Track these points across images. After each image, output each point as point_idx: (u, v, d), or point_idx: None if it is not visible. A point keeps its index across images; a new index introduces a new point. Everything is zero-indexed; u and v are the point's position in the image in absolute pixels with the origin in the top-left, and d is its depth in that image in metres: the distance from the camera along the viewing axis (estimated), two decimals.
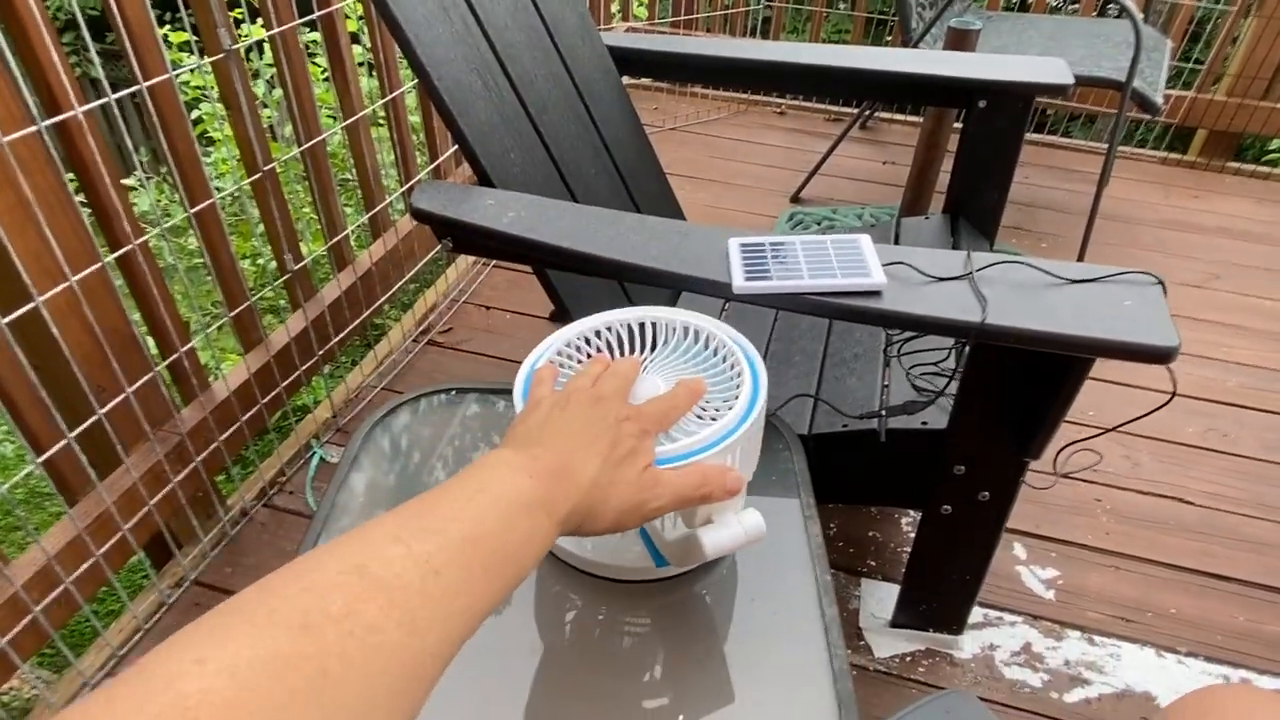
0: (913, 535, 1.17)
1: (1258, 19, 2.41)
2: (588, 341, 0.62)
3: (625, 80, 1.39)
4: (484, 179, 0.97)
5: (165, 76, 1.06)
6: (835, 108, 2.81)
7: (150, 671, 0.26)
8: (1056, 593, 1.25)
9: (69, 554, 1.03)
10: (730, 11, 2.94)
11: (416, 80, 1.07)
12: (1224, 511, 1.40)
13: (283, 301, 2.00)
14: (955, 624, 1.16)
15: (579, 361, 0.61)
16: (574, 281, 1.05)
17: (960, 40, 1.60)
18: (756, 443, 0.58)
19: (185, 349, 1.19)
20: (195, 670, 0.26)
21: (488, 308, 1.85)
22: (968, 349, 0.88)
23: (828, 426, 1.06)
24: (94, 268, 1.01)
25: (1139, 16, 1.69)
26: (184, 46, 2.31)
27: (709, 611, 0.63)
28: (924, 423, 1.00)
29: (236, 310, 1.30)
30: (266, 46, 1.37)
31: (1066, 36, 2.17)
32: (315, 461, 1.45)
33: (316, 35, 1.46)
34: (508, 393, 0.81)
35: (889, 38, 2.98)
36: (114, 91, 0.98)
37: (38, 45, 0.91)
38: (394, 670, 0.31)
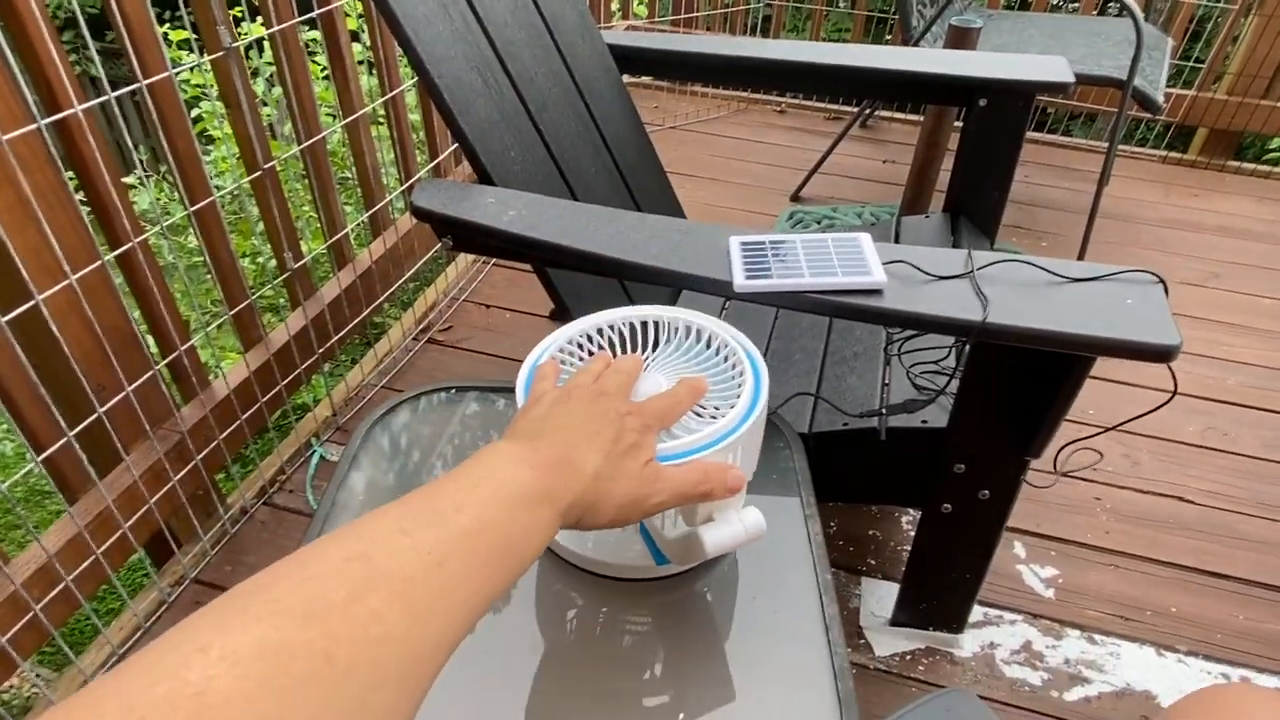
0: (913, 534, 1.17)
1: (1258, 17, 2.41)
2: (590, 339, 0.62)
3: (625, 78, 1.39)
4: (484, 177, 0.97)
5: (165, 74, 1.06)
6: (835, 106, 2.81)
7: (155, 658, 0.26)
8: (1056, 591, 1.25)
9: (69, 552, 1.03)
10: (730, 10, 2.93)
11: (416, 78, 1.07)
12: (1224, 510, 1.40)
13: (283, 300, 2.00)
14: (955, 622, 1.16)
15: (580, 359, 0.61)
16: (574, 280, 1.05)
17: (961, 38, 1.60)
18: (757, 441, 0.58)
19: (185, 347, 1.19)
20: (199, 657, 0.26)
21: (488, 306, 1.85)
22: (968, 347, 0.88)
23: (828, 425, 1.06)
24: (94, 266, 1.01)
25: (1140, 15, 1.69)
26: (184, 44, 2.31)
27: (709, 610, 0.63)
28: (924, 421, 1.00)
29: (236, 309, 1.30)
30: (266, 44, 1.37)
31: (1067, 35, 2.17)
32: (315, 460, 1.45)
33: (316, 33, 1.46)
34: (508, 391, 0.81)
35: (889, 36, 2.98)
36: (114, 89, 0.98)
37: (37, 43, 0.91)
38: (397, 659, 0.31)
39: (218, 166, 2.36)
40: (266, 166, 1.28)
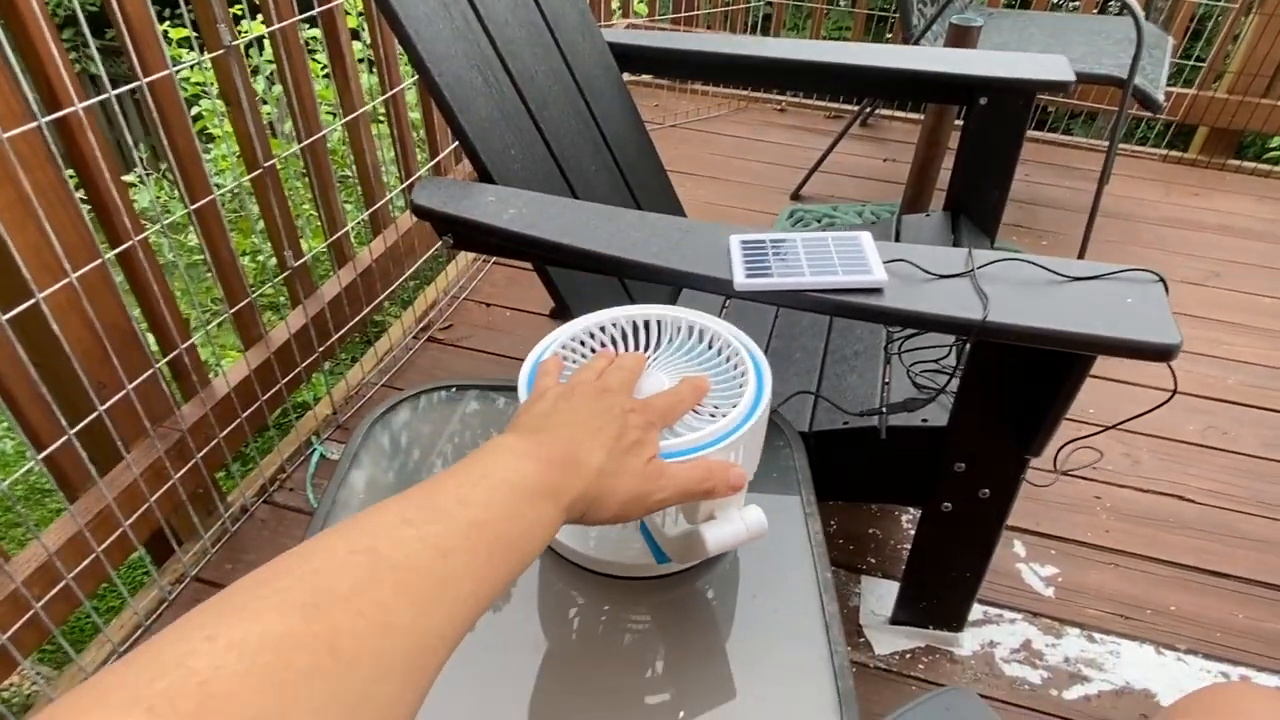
0: (913, 532, 1.17)
1: (1259, 16, 2.41)
2: (592, 336, 0.62)
3: (625, 77, 1.39)
4: (484, 175, 0.97)
5: (165, 73, 1.06)
6: (836, 105, 2.81)
7: (162, 648, 0.27)
8: (1056, 590, 1.25)
9: (70, 550, 1.03)
10: (730, 8, 2.93)
11: (417, 76, 1.07)
12: (1224, 509, 1.40)
13: (283, 298, 2.00)
14: (955, 621, 1.16)
15: (582, 356, 0.61)
16: (574, 278, 1.05)
17: (961, 37, 1.60)
18: (759, 440, 0.59)
19: (185, 345, 1.19)
20: (206, 647, 0.26)
21: (488, 304, 1.85)
22: (968, 346, 0.88)
23: (828, 424, 1.06)
24: (94, 264, 1.01)
25: (1140, 13, 1.69)
26: (184, 42, 2.31)
27: (710, 608, 0.63)
28: (924, 420, 1.00)
29: (237, 307, 1.29)
30: (266, 43, 1.37)
31: (1068, 33, 2.17)
32: (315, 458, 1.45)
33: (316, 31, 1.46)
34: (508, 389, 0.81)
35: (889, 35, 2.98)
36: (114, 87, 0.98)
37: (38, 41, 0.91)
38: (402, 651, 0.31)
39: (218, 164, 2.36)
40: (267, 165, 1.28)
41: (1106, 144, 2.05)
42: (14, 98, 0.89)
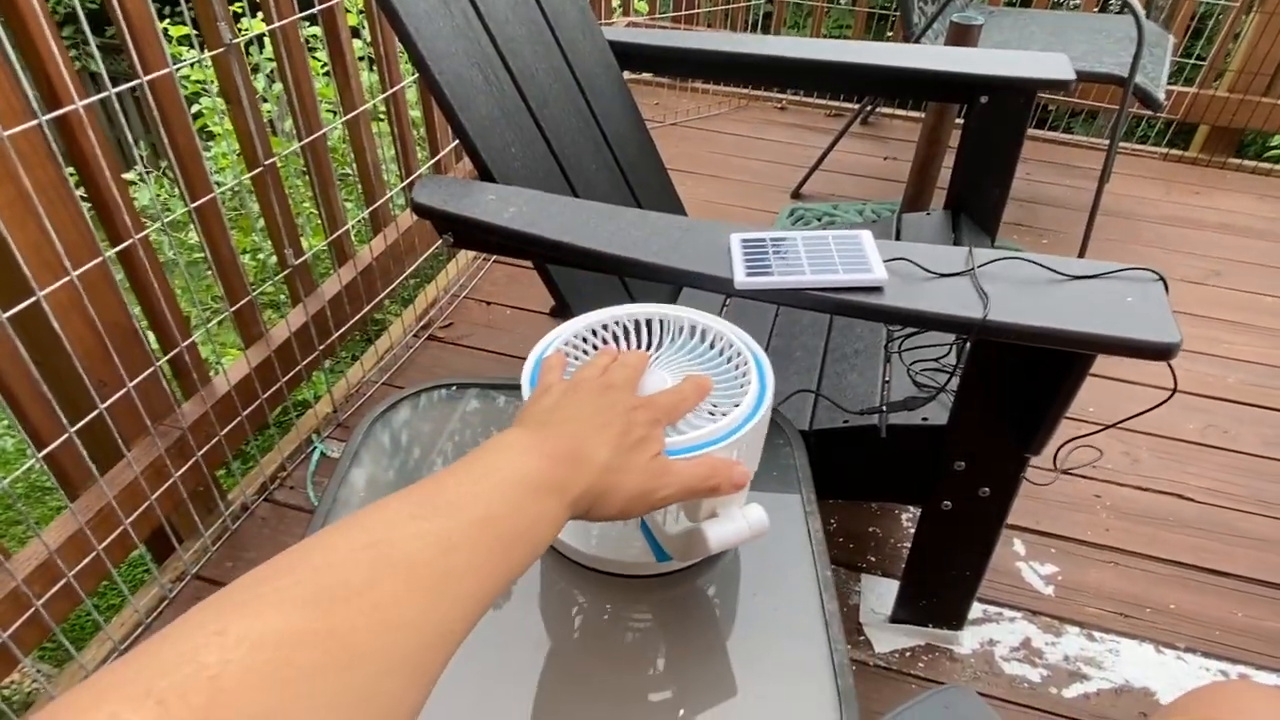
0: (913, 531, 1.17)
1: (1260, 15, 2.41)
2: (594, 333, 0.62)
3: (626, 75, 1.39)
4: (485, 174, 0.97)
5: (165, 71, 1.06)
6: (836, 103, 2.80)
7: (172, 642, 0.27)
8: (1056, 588, 1.26)
9: (70, 548, 1.03)
10: (731, 6, 2.93)
11: (417, 74, 1.07)
12: (1223, 508, 1.40)
13: (283, 296, 2.00)
14: (955, 619, 1.16)
15: (584, 353, 0.61)
16: (575, 277, 1.05)
17: (962, 35, 1.60)
18: (761, 439, 0.59)
19: (186, 344, 1.19)
20: (217, 641, 0.27)
21: (488, 303, 1.85)
22: (969, 345, 0.88)
23: (829, 422, 1.06)
24: (95, 262, 1.01)
25: (1141, 12, 1.69)
26: (184, 40, 2.30)
27: (710, 606, 0.63)
28: (925, 419, 1.00)
29: (237, 305, 1.30)
30: (267, 41, 1.37)
31: (1068, 32, 2.17)
32: (316, 456, 1.45)
33: (317, 29, 1.46)
34: (508, 388, 0.81)
35: (890, 33, 2.97)
36: (114, 86, 0.97)
37: (38, 39, 0.91)
38: (408, 647, 0.31)
39: (218, 163, 2.36)
40: (267, 163, 1.28)
41: (1107, 142, 2.05)
42: (14, 95, 0.89)
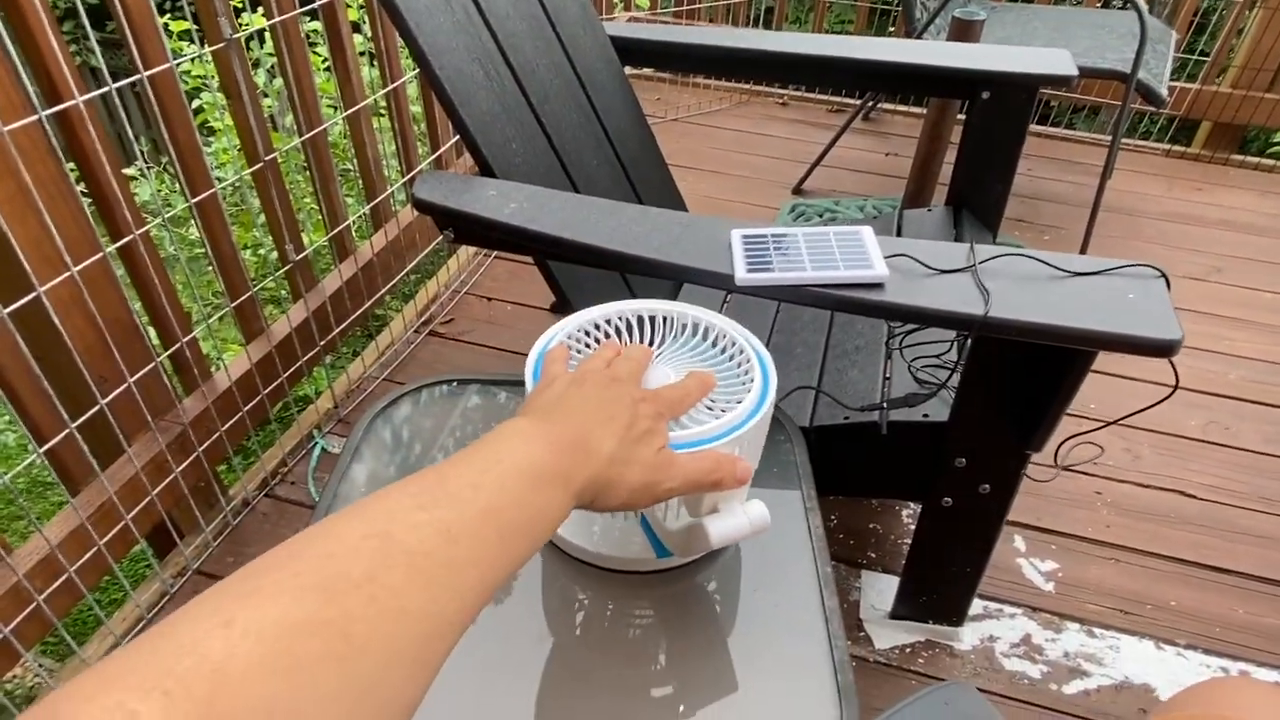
0: (913, 527, 1.17)
1: (1263, 10, 2.40)
2: (597, 328, 0.62)
3: (627, 70, 1.39)
4: (485, 169, 0.97)
5: (166, 66, 1.06)
6: (838, 99, 2.80)
7: (177, 631, 0.27)
8: (1056, 585, 1.26)
9: (71, 543, 1.04)
10: (732, 1, 2.92)
11: (418, 70, 1.06)
12: (1224, 505, 1.40)
13: (284, 292, 2.00)
14: (955, 616, 1.16)
15: (587, 347, 0.61)
16: (576, 273, 1.05)
17: (964, 31, 1.59)
18: (762, 436, 0.59)
19: (187, 339, 1.19)
20: (222, 631, 0.27)
21: (489, 299, 1.85)
22: (970, 342, 0.88)
23: (829, 419, 1.06)
24: (95, 258, 1.01)
25: (1144, 7, 1.68)
26: (184, 35, 2.30)
27: (711, 602, 0.63)
28: (925, 415, 1.00)
29: (238, 300, 1.30)
30: (267, 35, 1.36)
31: (1071, 27, 2.16)
32: (317, 452, 1.45)
33: (317, 24, 1.45)
34: (509, 384, 0.81)
35: (892, 28, 2.96)
36: (114, 81, 0.97)
37: (38, 34, 0.91)
38: (414, 636, 0.31)
39: (219, 158, 2.36)
40: (268, 158, 1.28)
41: (1109, 139, 2.04)
42: (14, 91, 0.88)
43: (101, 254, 1.02)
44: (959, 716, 0.63)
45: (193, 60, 1.60)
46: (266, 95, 2.37)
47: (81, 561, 1.05)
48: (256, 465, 1.41)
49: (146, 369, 1.11)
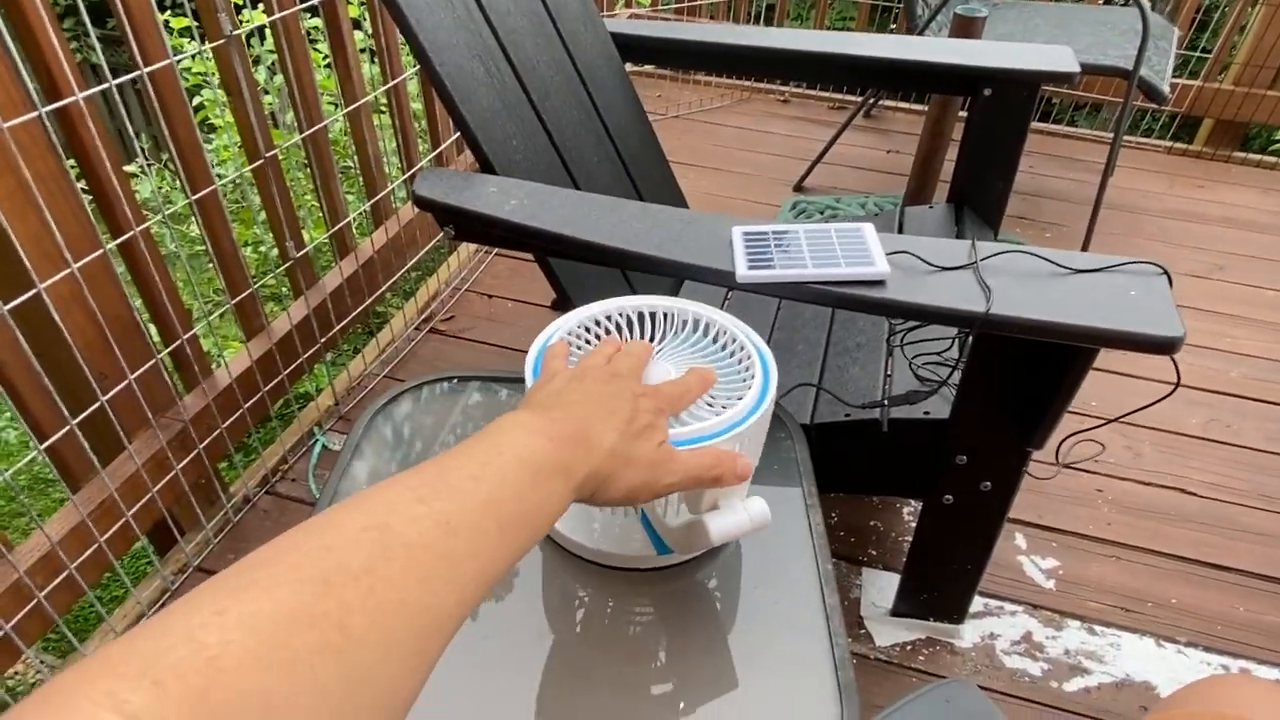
0: (914, 525, 1.17)
1: (1266, 7, 2.39)
2: (597, 324, 0.62)
3: (628, 67, 1.39)
4: (486, 166, 0.97)
5: (166, 62, 1.06)
6: (839, 96, 2.79)
7: (172, 621, 0.27)
8: (1057, 582, 1.26)
9: (72, 540, 1.04)
10: None
11: (418, 66, 1.06)
12: (1226, 502, 1.40)
13: (285, 289, 2.00)
14: (956, 613, 1.16)
15: (587, 343, 0.61)
16: (577, 270, 1.05)
17: (966, 27, 1.59)
18: (763, 433, 0.59)
19: (187, 336, 1.19)
20: (216, 621, 0.26)
21: (490, 296, 1.85)
22: (971, 339, 0.88)
23: (830, 416, 1.06)
24: (96, 254, 1.01)
25: (1146, 4, 1.68)
26: (185, 32, 2.30)
27: (711, 599, 0.63)
28: (926, 412, 0.99)
29: (239, 298, 1.29)
30: (268, 32, 1.36)
31: (1073, 24, 2.16)
32: (318, 449, 1.45)
33: (318, 21, 1.45)
34: (510, 381, 0.81)
35: (894, 25, 2.96)
36: (115, 77, 0.97)
37: (38, 30, 0.91)
38: (412, 628, 0.31)
39: (219, 155, 2.35)
40: (268, 155, 1.27)
41: (1111, 136, 2.04)
42: (14, 87, 0.88)
43: (102, 251, 1.02)
44: (960, 714, 0.63)
45: (193, 57, 1.60)
46: (267, 92, 2.37)
47: (82, 558, 1.05)
48: (257, 462, 1.41)
49: (147, 366, 1.11)
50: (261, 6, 1.28)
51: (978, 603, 1.22)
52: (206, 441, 1.22)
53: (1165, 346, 0.71)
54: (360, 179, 1.66)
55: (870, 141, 2.55)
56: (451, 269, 1.92)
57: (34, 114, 0.90)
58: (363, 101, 1.51)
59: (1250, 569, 1.29)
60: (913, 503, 1.37)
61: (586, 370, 0.51)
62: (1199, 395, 1.63)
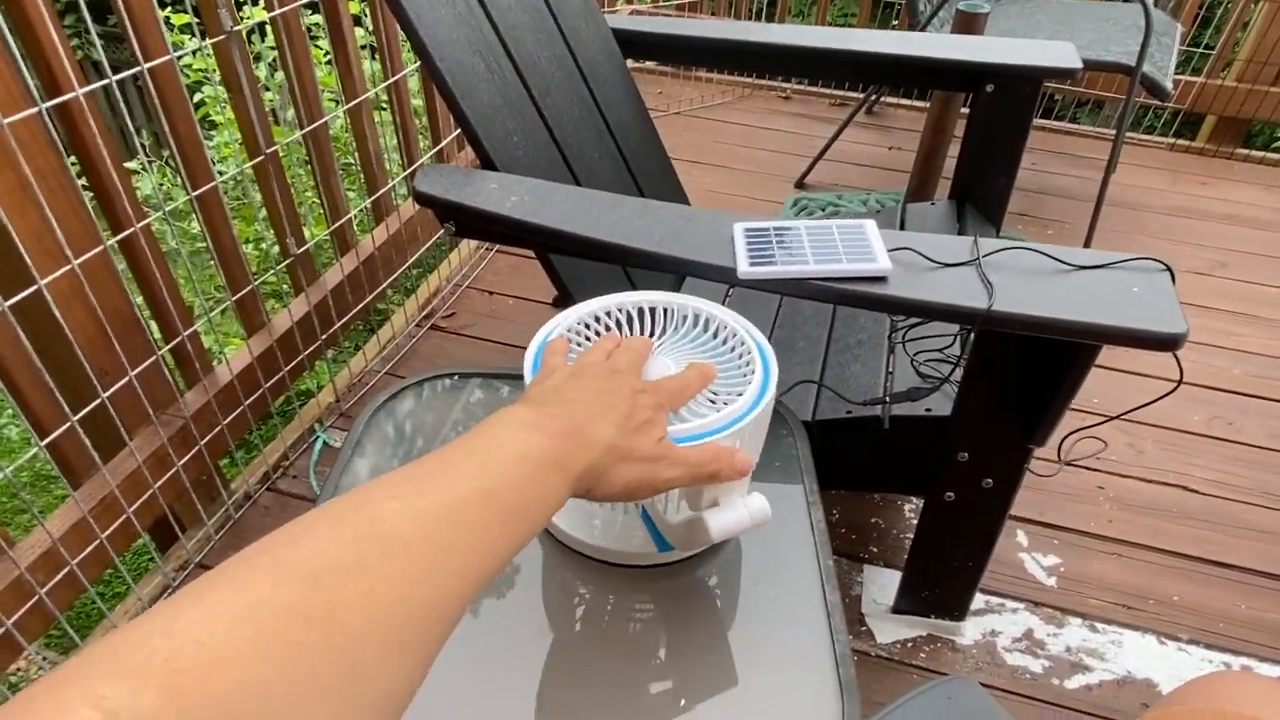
0: (915, 521, 1.17)
1: (1269, 4, 2.39)
2: (597, 319, 0.62)
3: (629, 63, 1.38)
4: (487, 162, 0.97)
5: (166, 58, 1.06)
6: (841, 92, 2.79)
7: (165, 616, 0.26)
8: (1058, 580, 1.25)
9: (73, 536, 1.04)
10: None
11: (419, 63, 1.06)
12: (1228, 500, 1.40)
13: (285, 285, 2.00)
14: (957, 610, 1.16)
15: (587, 339, 0.61)
16: (577, 266, 1.05)
17: (968, 23, 1.59)
18: (763, 430, 0.59)
19: (188, 332, 1.19)
20: (205, 615, 0.26)
21: (490, 293, 1.85)
22: (973, 336, 0.87)
23: (831, 413, 1.06)
24: (96, 251, 1.01)
25: (1149, 0, 1.67)
26: (185, 28, 2.29)
27: (712, 596, 0.63)
28: (928, 409, 0.99)
29: (239, 294, 1.29)
30: (268, 28, 1.36)
31: (1075, 20, 2.15)
32: (319, 445, 1.45)
33: (318, 17, 1.45)
34: (511, 377, 0.81)
35: (896, 21, 2.95)
36: (115, 73, 0.97)
37: (38, 27, 0.91)
38: (406, 626, 0.31)
39: (220, 151, 2.35)
40: (269, 152, 1.27)
41: (1114, 132, 2.04)
42: (15, 83, 0.88)
43: (102, 247, 1.02)
44: (961, 711, 0.63)
45: (194, 53, 1.59)
46: (268, 89, 2.36)
47: (84, 555, 1.05)
48: (258, 459, 1.41)
49: (148, 362, 1.11)
50: (262, 3, 1.28)
51: (979, 600, 1.22)
52: (208, 438, 1.22)
53: (1168, 343, 0.70)
54: (361, 175, 1.66)
55: (872, 138, 2.54)
56: (452, 266, 1.92)
57: (34, 110, 0.90)
58: (363, 98, 1.51)
59: (1252, 566, 1.28)
60: (914, 500, 1.37)
61: (585, 366, 0.51)
62: (1201, 392, 1.62)
